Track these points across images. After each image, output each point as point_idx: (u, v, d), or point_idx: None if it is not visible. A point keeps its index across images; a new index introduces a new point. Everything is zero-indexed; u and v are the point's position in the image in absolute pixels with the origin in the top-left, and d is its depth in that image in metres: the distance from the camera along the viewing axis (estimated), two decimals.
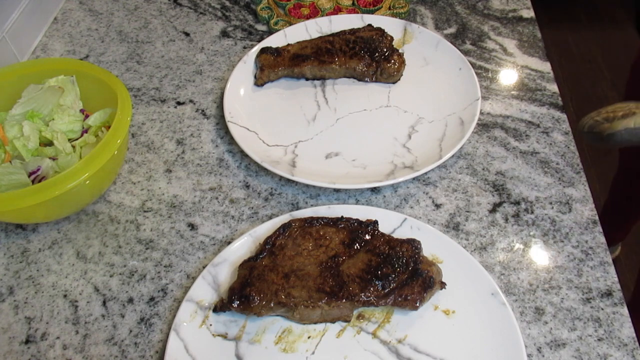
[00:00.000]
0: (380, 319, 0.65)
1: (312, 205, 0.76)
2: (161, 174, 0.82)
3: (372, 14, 1.03)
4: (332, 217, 0.70)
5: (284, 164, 0.79)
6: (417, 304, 0.62)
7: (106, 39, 1.03)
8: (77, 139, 0.76)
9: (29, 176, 0.70)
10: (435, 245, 0.69)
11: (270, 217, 0.76)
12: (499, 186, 0.78)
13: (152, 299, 0.69)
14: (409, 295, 0.62)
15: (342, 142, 0.83)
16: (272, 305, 0.62)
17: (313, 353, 0.62)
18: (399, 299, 0.62)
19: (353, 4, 1.05)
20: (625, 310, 0.65)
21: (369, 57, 0.89)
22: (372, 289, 0.63)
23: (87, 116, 0.78)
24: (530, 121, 0.86)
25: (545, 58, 0.95)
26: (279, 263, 0.66)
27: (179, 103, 0.91)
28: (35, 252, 0.73)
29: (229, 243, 0.72)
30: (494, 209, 0.75)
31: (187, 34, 1.03)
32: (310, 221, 0.69)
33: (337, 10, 1.04)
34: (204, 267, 0.69)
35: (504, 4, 1.06)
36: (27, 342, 0.66)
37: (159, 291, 0.69)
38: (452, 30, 1.01)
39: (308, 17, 1.02)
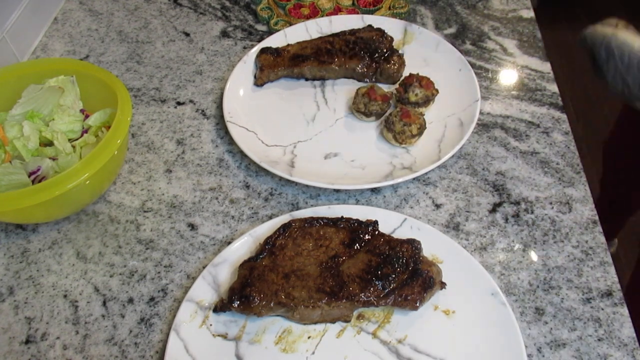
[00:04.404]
0: (380, 319, 0.65)
1: (312, 205, 0.76)
2: (161, 174, 0.82)
3: (372, 14, 1.03)
4: (332, 217, 0.70)
5: (282, 164, 0.79)
6: (417, 304, 0.62)
7: (106, 39, 1.03)
8: (77, 139, 0.76)
9: (29, 176, 0.70)
10: (435, 245, 0.69)
11: (270, 217, 0.76)
12: (499, 186, 0.78)
13: (152, 299, 0.69)
14: (409, 295, 0.62)
15: (341, 143, 0.83)
16: (272, 305, 0.62)
17: (313, 353, 0.63)
18: (399, 299, 0.63)
19: (353, 4, 1.05)
20: (625, 310, 0.65)
21: (369, 58, 0.89)
22: (372, 289, 0.63)
23: (87, 116, 0.78)
24: (530, 121, 0.86)
25: (545, 58, 0.95)
26: (279, 263, 0.66)
27: (179, 103, 0.91)
28: (35, 252, 0.73)
29: (229, 243, 0.72)
30: (494, 209, 0.75)
31: (187, 34, 1.03)
32: (310, 221, 0.69)
33: (337, 10, 1.04)
34: (204, 267, 0.69)
35: (504, 4, 1.06)
36: (27, 342, 0.66)
37: (159, 291, 0.69)
38: (452, 30, 1.01)
39: (308, 17, 1.02)
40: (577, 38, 0.86)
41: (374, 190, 0.78)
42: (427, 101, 0.84)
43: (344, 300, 0.62)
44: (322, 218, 0.70)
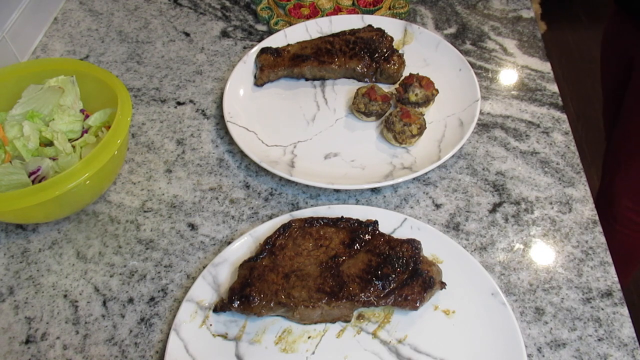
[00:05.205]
0: (380, 319, 0.65)
1: (312, 205, 0.76)
2: (161, 174, 0.82)
3: (372, 14, 1.03)
4: (332, 217, 0.70)
5: (282, 164, 0.79)
6: (417, 304, 0.62)
7: (106, 39, 1.03)
8: (77, 139, 0.76)
9: (29, 176, 0.70)
10: (435, 245, 0.69)
11: (270, 217, 0.76)
12: (499, 186, 0.78)
13: (152, 299, 0.69)
14: (409, 295, 0.62)
15: (341, 143, 0.83)
16: (272, 305, 0.62)
17: (313, 353, 0.63)
18: (399, 299, 0.63)
19: (353, 4, 1.05)
20: (625, 310, 0.65)
21: (369, 58, 0.89)
22: (372, 289, 0.63)
23: (87, 116, 0.78)
24: (530, 121, 0.86)
25: (545, 58, 0.95)
26: (279, 263, 0.66)
27: (179, 103, 0.91)
28: (36, 252, 0.73)
29: (229, 243, 0.72)
30: (494, 209, 0.75)
31: (187, 34, 1.03)
32: (310, 221, 0.69)
33: (337, 10, 1.04)
34: (204, 267, 0.69)
35: (504, 4, 1.06)
36: (27, 342, 0.66)
37: (159, 291, 0.69)
38: (452, 30, 1.01)
39: (308, 17, 1.02)
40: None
41: (374, 190, 0.78)
42: (427, 101, 0.84)
43: (344, 300, 0.62)
44: (322, 218, 0.70)
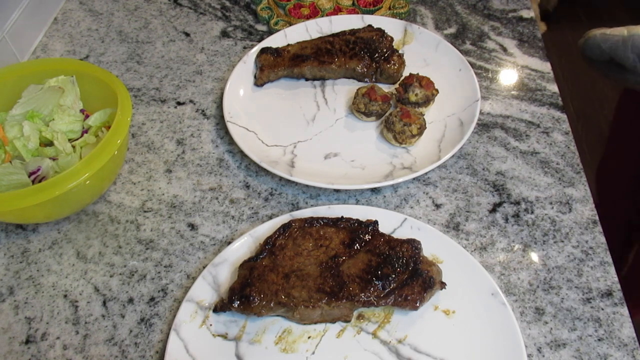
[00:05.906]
0: (380, 319, 0.65)
1: (312, 205, 0.76)
2: (161, 174, 0.82)
3: (372, 14, 1.03)
4: (332, 217, 0.70)
5: (282, 164, 0.79)
6: (417, 304, 0.62)
7: (106, 39, 1.03)
8: (77, 139, 0.76)
9: (29, 176, 0.70)
10: (435, 245, 0.69)
11: (270, 217, 0.76)
12: (499, 186, 0.78)
13: (152, 299, 0.69)
14: (409, 295, 0.62)
15: (341, 143, 0.83)
16: (272, 305, 0.62)
17: (313, 353, 0.63)
18: (399, 299, 0.63)
19: (353, 4, 1.05)
20: (625, 310, 0.65)
21: (369, 58, 0.89)
22: (372, 289, 0.63)
23: (87, 116, 0.78)
24: (530, 121, 0.86)
25: (545, 58, 0.95)
26: (279, 263, 0.66)
27: (179, 103, 0.91)
28: (36, 252, 0.73)
29: (229, 243, 0.72)
30: (494, 209, 0.75)
31: (187, 34, 1.03)
32: (310, 221, 0.69)
33: (337, 10, 1.04)
34: (204, 267, 0.69)
35: (504, 4, 1.06)
36: (27, 342, 0.66)
37: (159, 291, 0.69)
38: (452, 30, 1.01)
39: (308, 17, 1.02)
40: (583, 51, 0.78)
41: (374, 190, 0.78)
42: (427, 101, 0.84)
43: (344, 300, 0.62)
44: (322, 218, 0.70)
